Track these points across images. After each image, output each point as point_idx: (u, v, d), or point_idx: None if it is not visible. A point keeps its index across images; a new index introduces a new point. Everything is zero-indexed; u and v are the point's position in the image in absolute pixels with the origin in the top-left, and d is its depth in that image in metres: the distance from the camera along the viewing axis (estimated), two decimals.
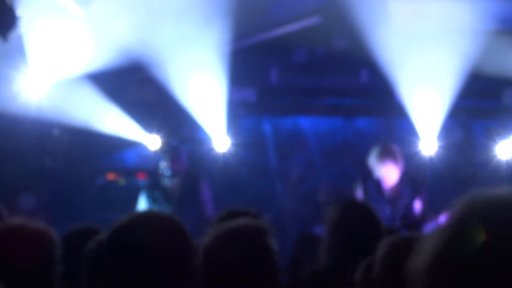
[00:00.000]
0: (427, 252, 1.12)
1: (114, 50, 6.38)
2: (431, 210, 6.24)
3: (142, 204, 6.35)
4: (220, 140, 7.63)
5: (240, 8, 6.51)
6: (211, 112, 7.51)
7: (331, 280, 3.37)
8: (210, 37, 6.88)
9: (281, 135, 8.93)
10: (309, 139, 8.90)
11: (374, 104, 8.35)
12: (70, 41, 6.26)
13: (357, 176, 6.44)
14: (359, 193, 6.16)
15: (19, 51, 6.00)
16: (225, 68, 7.26)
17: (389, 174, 6.11)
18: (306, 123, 8.94)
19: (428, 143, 7.36)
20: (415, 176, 6.58)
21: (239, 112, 8.15)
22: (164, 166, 6.38)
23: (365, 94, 8.30)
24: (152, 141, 7.68)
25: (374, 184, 6.16)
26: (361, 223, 3.45)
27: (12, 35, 5.03)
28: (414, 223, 6.03)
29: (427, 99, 7.30)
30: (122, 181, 8.19)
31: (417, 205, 6.20)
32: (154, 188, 6.45)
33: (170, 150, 6.56)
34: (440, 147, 7.40)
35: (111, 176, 8.25)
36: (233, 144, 7.66)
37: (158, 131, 7.67)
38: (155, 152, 7.55)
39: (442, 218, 6.16)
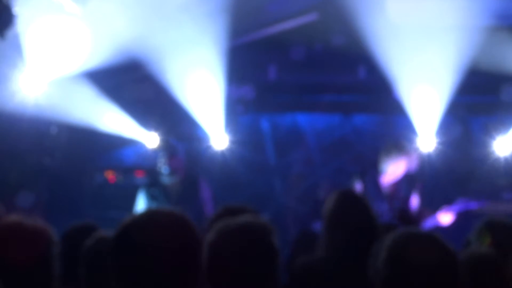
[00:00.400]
0: None
1: (112, 48, 6.36)
2: (429, 205, 6.25)
3: (141, 202, 6.33)
4: (218, 137, 7.63)
5: (238, 5, 6.51)
6: (209, 109, 7.50)
7: (327, 270, 3.40)
8: (208, 35, 6.87)
9: (280, 132, 8.92)
10: (308, 136, 8.90)
11: (372, 101, 8.34)
12: (68, 39, 6.25)
13: (355, 172, 6.45)
14: (357, 188, 6.18)
15: (16, 50, 5.98)
16: (223, 66, 7.25)
17: (397, 170, 6.16)
18: (304, 120, 8.94)
19: (426, 139, 7.36)
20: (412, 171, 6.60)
21: (237, 109, 8.14)
22: (162, 164, 6.37)
23: (363, 91, 8.29)
24: (150, 139, 7.68)
25: (372, 180, 6.18)
26: (355, 213, 3.50)
27: (9, 33, 5.02)
28: (411, 217, 6.05)
29: (425, 95, 7.29)
30: (120, 179, 8.19)
31: (414, 200, 6.22)
32: (153, 186, 6.43)
33: (168, 148, 6.53)
34: (438, 143, 7.40)
35: (109, 174, 8.25)
36: (232, 142, 7.65)
37: (156, 129, 7.67)
38: (153, 150, 7.55)
39: (440, 214, 6.19)
